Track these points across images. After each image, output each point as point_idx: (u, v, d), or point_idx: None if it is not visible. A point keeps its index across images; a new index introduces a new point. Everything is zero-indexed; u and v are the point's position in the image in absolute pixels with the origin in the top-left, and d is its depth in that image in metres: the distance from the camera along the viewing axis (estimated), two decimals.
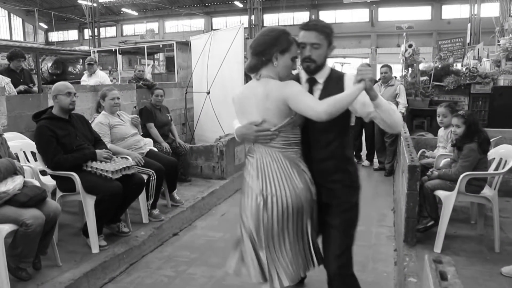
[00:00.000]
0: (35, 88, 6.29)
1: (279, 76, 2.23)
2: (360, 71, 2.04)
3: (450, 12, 28.88)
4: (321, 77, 2.29)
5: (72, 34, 40.31)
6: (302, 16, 32.80)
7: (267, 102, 2.17)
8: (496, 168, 3.84)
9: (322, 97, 2.19)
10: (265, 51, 2.20)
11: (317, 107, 2.06)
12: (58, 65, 13.45)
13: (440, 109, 4.59)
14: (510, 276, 2.99)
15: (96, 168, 3.58)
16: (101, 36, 24.63)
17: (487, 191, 3.68)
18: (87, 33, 29.21)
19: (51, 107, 3.68)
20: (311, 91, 2.28)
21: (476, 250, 3.57)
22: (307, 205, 2.21)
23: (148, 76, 10.96)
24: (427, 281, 1.54)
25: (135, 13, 35.24)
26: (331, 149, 2.28)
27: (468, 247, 3.62)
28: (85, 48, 18.67)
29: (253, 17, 23.47)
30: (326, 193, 2.31)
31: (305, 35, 2.22)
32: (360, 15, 31.33)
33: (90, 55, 12.31)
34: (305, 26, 2.24)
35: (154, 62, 17.52)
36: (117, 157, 3.88)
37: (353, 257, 2.34)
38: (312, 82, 2.30)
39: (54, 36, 39.92)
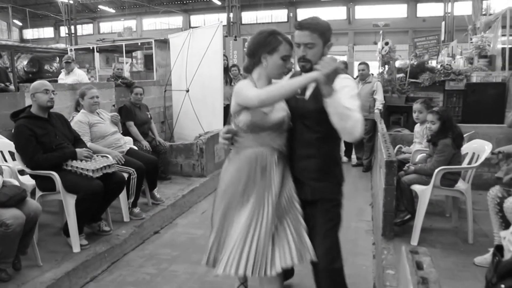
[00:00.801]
0: (12, 87, 6.19)
1: (269, 75, 2.30)
2: (321, 62, 1.99)
3: (425, 10, 29.44)
4: None
5: (47, 32, 39.54)
6: (280, 14, 32.98)
7: (234, 99, 2.31)
8: (469, 162, 3.97)
9: (312, 94, 2.25)
10: (254, 52, 2.29)
11: (250, 94, 2.15)
12: (34, 63, 13.18)
13: (416, 106, 4.70)
14: (483, 266, 3.10)
15: (77, 167, 3.56)
16: (77, 34, 24.24)
17: (461, 185, 3.80)
18: (63, 30, 28.79)
19: (30, 106, 3.64)
20: (305, 89, 2.28)
21: (451, 242, 3.69)
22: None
23: (126, 74, 10.86)
24: (404, 270, 1.61)
25: (112, 10, 34.79)
26: (315, 148, 2.29)
27: (444, 239, 3.74)
28: (61, 46, 18.35)
29: (231, 14, 23.41)
30: (310, 191, 2.33)
31: (299, 34, 2.22)
32: (338, 12, 31.64)
33: (67, 53, 12.12)
34: (298, 26, 2.22)
35: (132, 60, 17.36)
36: (97, 155, 3.87)
37: (341, 251, 2.37)
38: None
39: (29, 34, 39.12)
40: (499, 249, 1.62)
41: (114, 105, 7.13)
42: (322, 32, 2.20)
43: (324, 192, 2.33)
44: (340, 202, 2.41)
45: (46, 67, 13.67)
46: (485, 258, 3.16)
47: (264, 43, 2.24)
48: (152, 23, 35.80)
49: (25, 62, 13.22)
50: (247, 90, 2.20)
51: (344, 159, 7.79)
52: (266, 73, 2.29)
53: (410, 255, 1.65)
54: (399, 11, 30.31)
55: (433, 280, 1.47)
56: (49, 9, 31.93)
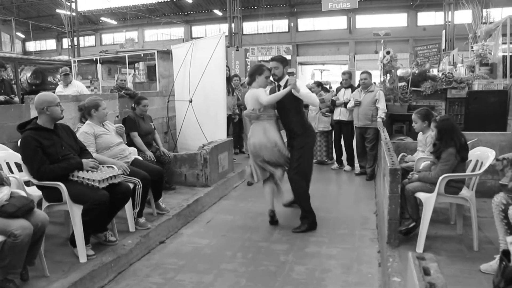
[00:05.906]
0: (16, 99, 6.23)
1: (260, 85, 4.72)
2: (289, 80, 4.60)
3: (425, 19, 29.49)
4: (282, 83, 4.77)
5: (50, 44, 39.81)
6: (281, 24, 33.15)
7: (252, 99, 4.65)
8: (473, 170, 3.97)
9: (289, 94, 4.50)
10: (252, 75, 4.78)
11: (263, 99, 4.54)
12: (37, 75, 13.25)
13: (413, 116, 4.72)
14: (489, 273, 3.10)
15: (83, 178, 3.59)
16: (80, 46, 24.37)
17: (465, 192, 3.80)
18: (65, 42, 28.97)
19: (36, 118, 3.67)
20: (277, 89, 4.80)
21: (456, 249, 3.69)
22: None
23: (129, 85, 10.93)
24: (412, 276, 1.62)
25: (114, 22, 35.02)
26: (295, 117, 4.77)
27: (449, 247, 3.74)
28: (64, 57, 18.46)
29: (233, 25, 23.57)
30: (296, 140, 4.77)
31: (271, 63, 4.76)
32: (338, 22, 31.76)
33: (71, 65, 12.19)
34: (271, 59, 4.82)
35: (134, 71, 17.46)
36: (103, 166, 3.90)
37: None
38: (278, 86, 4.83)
39: (32, 46, 39.43)
40: (506, 254, 1.63)
41: (118, 116, 7.17)
42: (283, 61, 4.79)
43: (300, 141, 4.74)
44: (306, 145, 4.80)
45: (49, 79, 13.74)
46: (491, 265, 3.16)
47: (256, 70, 4.75)
48: (154, 34, 36.04)
49: (28, 74, 13.30)
50: (262, 95, 4.58)
51: (347, 167, 7.80)
52: (258, 84, 4.71)
53: (417, 261, 1.66)
54: (400, 20, 30.39)
55: (441, 285, 1.49)
56: (52, 21, 32.16)
